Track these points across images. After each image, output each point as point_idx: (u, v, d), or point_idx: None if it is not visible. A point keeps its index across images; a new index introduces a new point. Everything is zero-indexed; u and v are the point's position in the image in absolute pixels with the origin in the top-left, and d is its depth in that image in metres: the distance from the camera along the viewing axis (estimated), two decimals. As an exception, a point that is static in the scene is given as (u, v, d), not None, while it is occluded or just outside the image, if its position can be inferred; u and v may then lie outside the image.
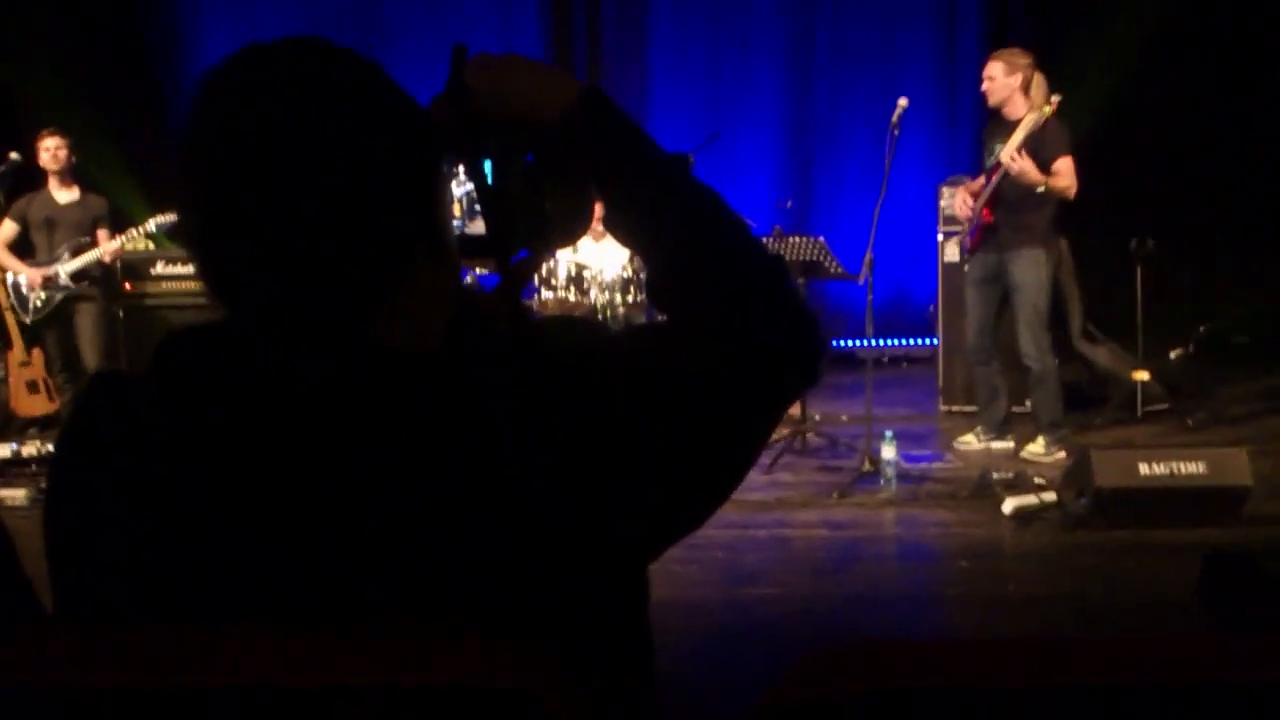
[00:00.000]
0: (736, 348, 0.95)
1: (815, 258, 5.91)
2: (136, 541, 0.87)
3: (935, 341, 7.30)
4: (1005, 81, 5.52)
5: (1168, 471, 4.42)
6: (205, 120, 0.92)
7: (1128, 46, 8.04)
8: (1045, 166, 5.39)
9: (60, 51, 8.54)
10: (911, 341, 9.11)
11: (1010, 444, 5.92)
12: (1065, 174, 5.42)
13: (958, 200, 5.92)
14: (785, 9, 9.52)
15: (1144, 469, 4.44)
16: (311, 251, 0.90)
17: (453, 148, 0.98)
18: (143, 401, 0.91)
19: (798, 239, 6.04)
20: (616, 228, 1.04)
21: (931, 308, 7.48)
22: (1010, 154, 5.36)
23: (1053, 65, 5.67)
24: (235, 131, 0.90)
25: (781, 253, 5.36)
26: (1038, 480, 4.97)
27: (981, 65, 5.70)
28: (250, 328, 0.92)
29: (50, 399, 7.08)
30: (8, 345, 7.08)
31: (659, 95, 9.64)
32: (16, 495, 5.21)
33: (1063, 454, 5.57)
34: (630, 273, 6.87)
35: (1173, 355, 7.39)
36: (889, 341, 9.07)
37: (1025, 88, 5.52)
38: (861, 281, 5.58)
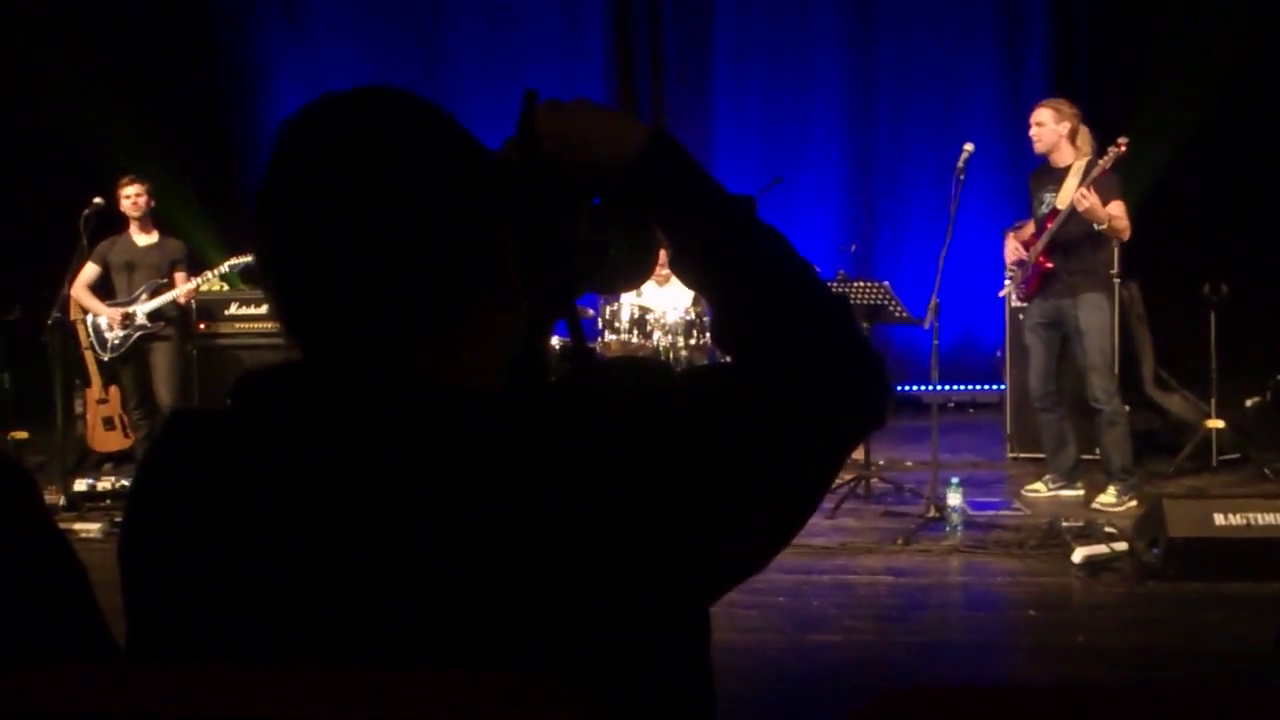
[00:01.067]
0: (802, 389, 0.95)
1: (880, 302, 5.88)
2: (209, 576, 0.89)
3: (1003, 387, 7.21)
4: (1054, 128, 5.56)
5: (1244, 522, 4.31)
6: (281, 166, 0.95)
7: (1197, 88, 7.94)
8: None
9: (141, 101, 8.82)
10: (978, 387, 9.00)
11: (1080, 492, 5.83)
12: (1121, 215, 5.43)
13: (1008, 247, 5.91)
14: (848, 54, 9.54)
15: (1219, 519, 4.33)
16: (379, 294, 0.92)
17: (521, 191, 0.99)
18: (219, 438, 0.94)
19: (862, 283, 6.02)
20: (682, 269, 1.04)
21: (999, 353, 7.38)
22: (1081, 192, 5.33)
23: (1121, 110, 5.67)
24: (309, 177, 0.93)
25: (847, 295, 5.36)
26: (1108, 529, 4.87)
27: (1048, 110, 5.69)
28: (322, 367, 0.94)
29: (125, 435, 7.25)
30: (86, 383, 7.27)
31: (722, 140, 9.69)
32: (91, 529, 5.33)
33: (1134, 503, 5.47)
34: (693, 316, 6.88)
35: (1249, 403, 7.21)
36: (955, 387, 8.97)
37: (1072, 137, 5.56)
38: (927, 326, 5.54)
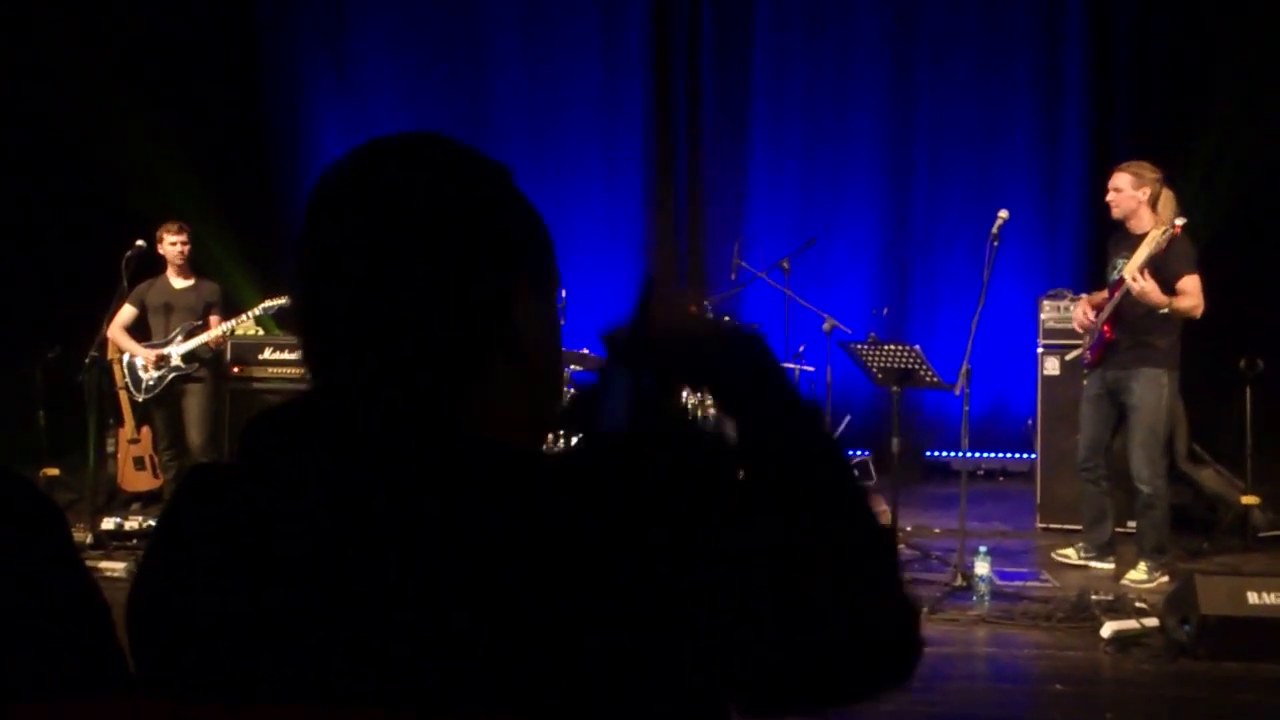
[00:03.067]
0: (832, 627, 0.92)
1: (911, 366, 5.85)
2: (214, 633, 0.90)
3: (1033, 456, 7.14)
4: (1131, 194, 5.43)
5: (1279, 602, 4.23)
6: (317, 204, 0.97)
7: (1236, 160, 7.92)
8: (1169, 284, 5.26)
9: (185, 145, 8.99)
10: (1008, 455, 8.92)
11: (1111, 566, 5.73)
12: (1191, 294, 5.27)
13: (1078, 311, 5.79)
14: (885, 117, 9.59)
15: (1253, 598, 4.25)
16: (391, 338, 0.94)
17: (625, 360, 1.06)
18: (234, 491, 0.95)
19: (893, 346, 6.00)
20: (743, 455, 1.06)
21: (1030, 422, 7.33)
22: (1133, 273, 5.24)
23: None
24: (338, 215, 0.96)
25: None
26: (1139, 604, 4.79)
27: (1082, 179, 5.66)
28: (330, 415, 0.95)
29: (155, 476, 7.31)
30: (120, 422, 7.34)
31: (757, 199, 9.75)
32: (116, 567, 5.35)
33: (1165, 579, 5.37)
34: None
35: (1285, 480, 7.10)
36: (985, 454, 8.90)
37: (1153, 203, 5.41)
38: (958, 392, 5.49)
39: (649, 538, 0.86)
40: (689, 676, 0.89)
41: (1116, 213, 5.52)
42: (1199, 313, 5.33)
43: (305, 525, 0.89)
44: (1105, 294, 5.62)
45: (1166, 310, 5.29)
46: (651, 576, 0.85)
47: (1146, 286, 5.21)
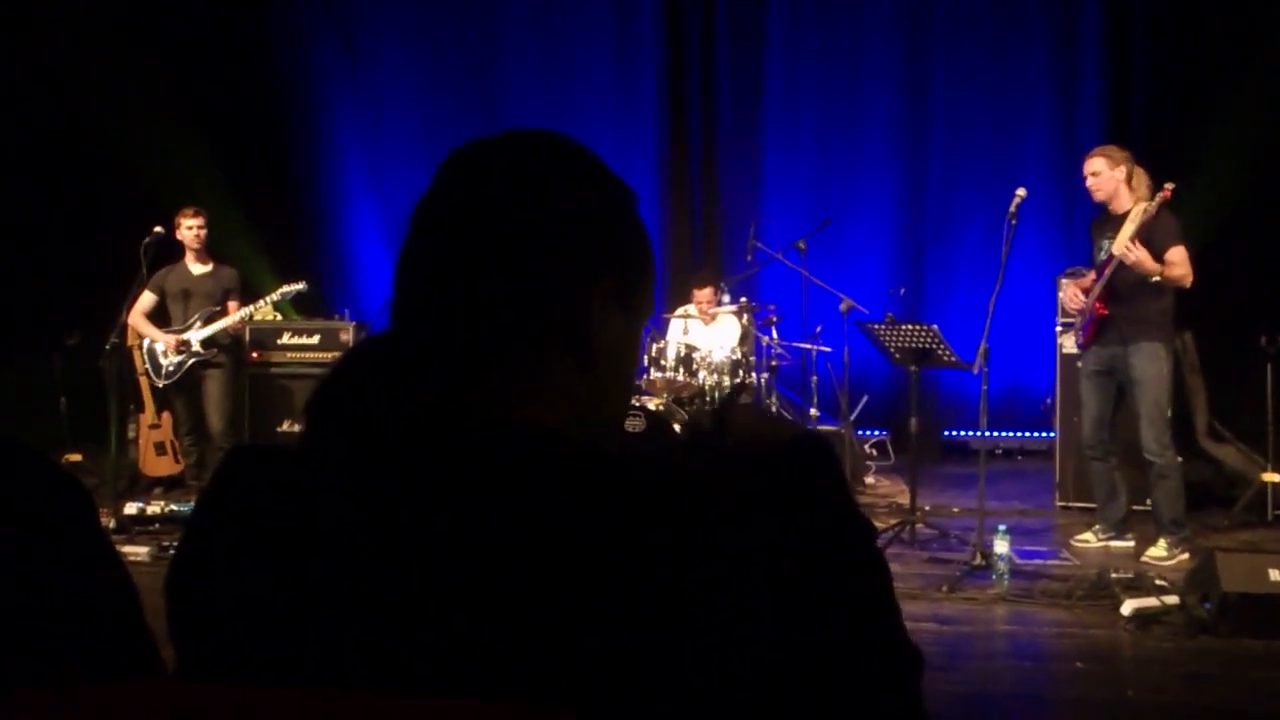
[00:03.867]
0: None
1: (929, 345, 5.83)
2: (265, 613, 0.90)
3: (1052, 435, 7.12)
4: (1110, 175, 5.49)
5: (1300, 579, 4.22)
6: (436, 177, 1.01)
7: (1254, 137, 7.85)
8: (1157, 256, 5.32)
9: (201, 133, 9.03)
10: (1027, 434, 8.90)
11: (1130, 543, 5.73)
12: (1179, 263, 5.34)
13: (1067, 294, 5.86)
14: (899, 98, 9.54)
15: (1274, 575, 4.23)
16: (463, 325, 0.96)
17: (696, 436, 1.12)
18: (278, 476, 0.96)
19: (911, 326, 5.99)
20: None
21: (1049, 401, 7.30)
22: (1125, 245, 5.29)
23: (1176, 157, 5.59)
24: (440, 197, 1.00)
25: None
26: (1159, 582, 4.78)
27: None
28: (386, 407, 0.95)
29: (175, 461, 7.36)
30: (140, 408, 7.39)
31: (771, 182, 9.72)
32: (139, 552, 5.40)
33: (1185, 556, 5.36)
34: (739, 355, 6.88)
35: (1306, 457, 7.06)
36: (1003, 433, 8.87)
37: (1129, 181, 5.50)
38: (976, 371, 5.48)
39: (650, 537, 0.86)
40: (690, 677, 0.89)
41: (1099, 196, 5.58)
42: (1189, 282, 5.40)
43: (333, 516, 0.90)
44: (1092, 276, 5.66)
45: (1159, 279, 5.32)
46: (652, 577, 0.86)
47: (1140, 255, 5.27)
